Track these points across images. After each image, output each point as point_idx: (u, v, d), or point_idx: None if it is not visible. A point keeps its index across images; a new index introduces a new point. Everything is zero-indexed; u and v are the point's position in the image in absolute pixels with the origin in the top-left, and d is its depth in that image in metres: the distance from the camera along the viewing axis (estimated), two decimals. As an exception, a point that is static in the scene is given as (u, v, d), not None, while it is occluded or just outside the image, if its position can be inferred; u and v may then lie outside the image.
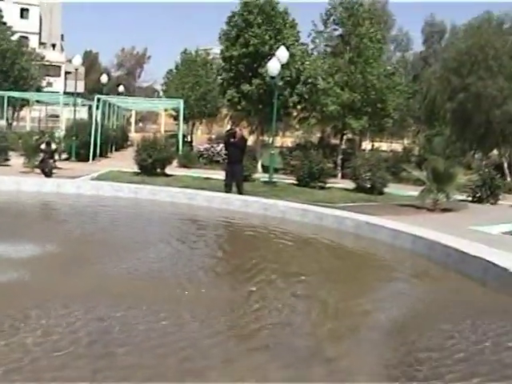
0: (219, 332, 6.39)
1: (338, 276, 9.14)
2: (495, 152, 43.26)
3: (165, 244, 10.65)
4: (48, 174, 22.73)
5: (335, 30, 36.86)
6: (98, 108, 38.86)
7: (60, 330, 5.97)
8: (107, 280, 7.97)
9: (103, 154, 36.78)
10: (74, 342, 5.69)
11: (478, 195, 25.58)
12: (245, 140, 20.49)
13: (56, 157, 24.79)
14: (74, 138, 33.46)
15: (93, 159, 33.10)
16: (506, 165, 37.70)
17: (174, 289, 7.68)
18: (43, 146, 23.96)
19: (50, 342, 5.65)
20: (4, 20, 56.45)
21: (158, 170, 26.66)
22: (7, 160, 28.99)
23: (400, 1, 78.26)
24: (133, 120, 76.14)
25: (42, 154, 23.72)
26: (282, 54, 25.84)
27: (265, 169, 30.67)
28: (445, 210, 21.59)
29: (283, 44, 28.75)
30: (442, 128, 45.11)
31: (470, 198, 25.55)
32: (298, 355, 5.86)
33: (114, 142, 43.42)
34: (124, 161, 30.94)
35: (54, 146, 24.61)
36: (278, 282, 8.33)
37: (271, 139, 29.87)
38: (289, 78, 31.02)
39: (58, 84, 73.20)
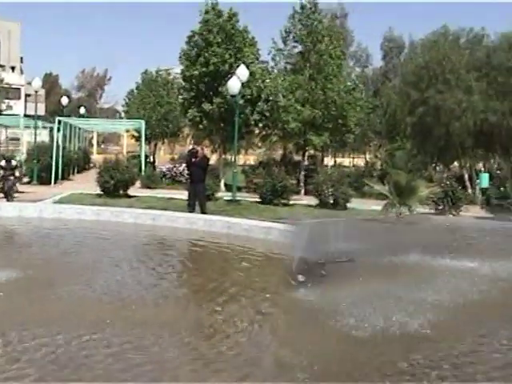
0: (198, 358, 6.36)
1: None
2: (456, 164, 43.77)
3: (132, 265, 10.63)
4: (8, 194, 22.42)
5: (295, 47, 37.12)
6: (59, 130, 38.48)
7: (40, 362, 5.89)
8: (77, 304, 7.88)
9: (65, 177, 36.39)
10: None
11: (440, 207, 25.77)
12: (207, 159, 20.49)
13: (17, 173, 24.38)
14: (35, 161, 33.12)
15: (55, 182, 32.72)
16: (466, 176, 38.16)
17: (148, 310, 7.68)
18: (3, 163, 23.63)
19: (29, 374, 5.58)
20: (-39, 44, 56.00)
21: (121, 192, 26.43)
22: (-33, 185, 28.52)
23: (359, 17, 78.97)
24: (95, 142, 75.58)
25: (1, 171, 23.36)
26: (242, 72, 25.86)
27: (228, 187, 30.61)
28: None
29: (243, 62, 28.78)
30: (403, 142, 45.55)
31: (432, 211, 25.74)
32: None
33: (76, 164, 43.00)
34: (86, 183, 30.66)
35: (14, 163, 24.29)
36: (244, 300, 8.37)
37: (233, 157, 29.86)
38: (249, 96, 31.06)
39: (18, 107, 72.29)
